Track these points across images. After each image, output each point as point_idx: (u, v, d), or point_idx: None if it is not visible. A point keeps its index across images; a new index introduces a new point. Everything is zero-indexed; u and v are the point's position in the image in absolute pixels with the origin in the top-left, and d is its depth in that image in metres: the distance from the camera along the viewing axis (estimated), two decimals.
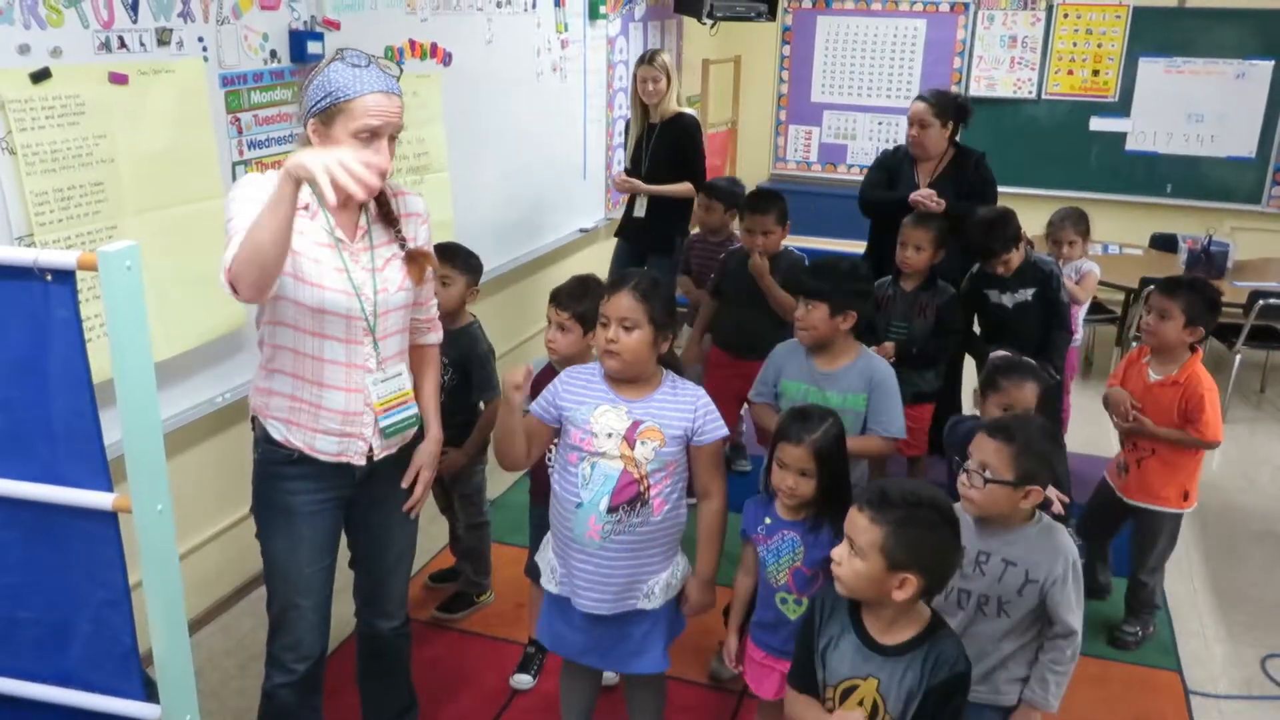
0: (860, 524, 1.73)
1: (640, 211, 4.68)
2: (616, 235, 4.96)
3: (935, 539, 1.72)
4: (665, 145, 4.58)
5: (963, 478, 2.16)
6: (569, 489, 2.23)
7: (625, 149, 4.76)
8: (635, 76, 4.55)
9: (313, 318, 2.05)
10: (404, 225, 2.19)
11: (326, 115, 1.98)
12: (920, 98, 4.16)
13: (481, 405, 3.14)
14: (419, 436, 2.35)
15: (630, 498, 2.19)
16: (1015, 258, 3.67)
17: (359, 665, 2.54)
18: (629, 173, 4.74)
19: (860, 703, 1.74)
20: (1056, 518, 2.30)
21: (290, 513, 2.18)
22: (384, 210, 2.16)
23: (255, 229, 1.82)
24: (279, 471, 2.17)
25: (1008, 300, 3.71)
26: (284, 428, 2.13)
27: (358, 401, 2.13)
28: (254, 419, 2.20)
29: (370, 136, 1.98)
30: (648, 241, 4.74)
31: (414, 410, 2.21)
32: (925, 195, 3.95)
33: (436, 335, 2.38)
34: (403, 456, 2.29)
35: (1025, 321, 3.68)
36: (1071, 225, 4.27)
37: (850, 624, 1.79)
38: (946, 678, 1.72)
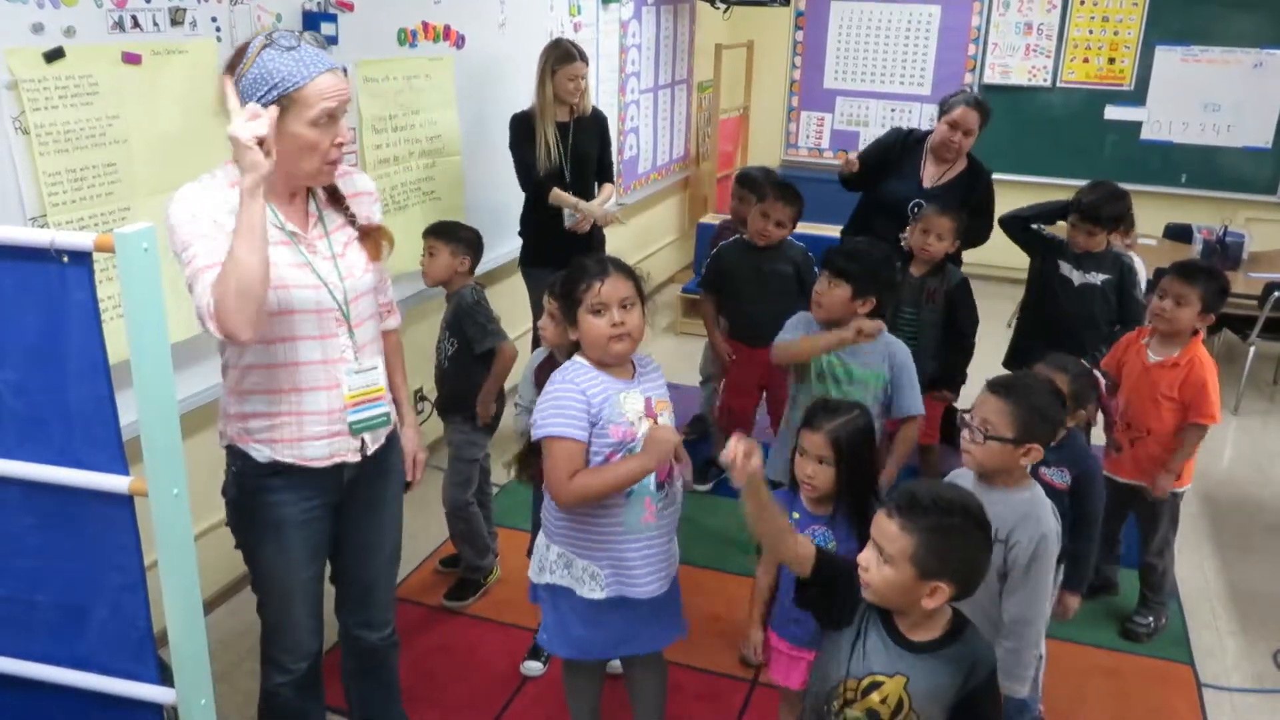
0: (889, 531, 1.66)
1: (571, 223, 4.10)
2: (534, 265, 4.16)
3: (967, 546, 1.67)
4: (592, 144, 4.14)
5: (965, 432, 2.17)
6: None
7: (541, 151, 3.98)
8: (552, 73, 3.92)
9: (280, 322, 1.94)
10: (354, 205, 2.09)
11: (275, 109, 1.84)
12: (973, 105, 3.95)
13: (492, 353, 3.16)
14: (394, 440, 2.24)
15: (669, 469, 2.18)
16: (1101, 240, 3.57)
17: (347, 684, 2.46)
18: (549, 178, 4.03)
19: (884, 700, 1.72)
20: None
21: (279, 525, 2.07)
22: (330, 192, 2.06)
23: (236, 263, 1.72)
24: (262, 484, 2.04)
25: (1075, 277, 3.61)
26: (268, 449, 2.01)
27: (339, 397, 2.03)
28: (229, 447, 2.07)
29: (329, 120, 1.88)
30: (583, 252, 4.06)
31: (385, 409, 2.11)
32: (848, 162, 4.01)
33: (395, 319, 2.31)
34: (385, 462, 2.19)
35: (1083, 304, 3.60)
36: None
37: (878, 620, 1.76)
38: (987, 677, 1.71)
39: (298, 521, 2.09)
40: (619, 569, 2.18)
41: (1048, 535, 2.13)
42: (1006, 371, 3.98)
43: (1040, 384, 2.26)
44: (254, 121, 1.74)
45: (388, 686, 2.47)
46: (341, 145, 1.94)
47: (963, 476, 2.29)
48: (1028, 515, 2.14)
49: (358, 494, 2.18)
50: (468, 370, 3.14)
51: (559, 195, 4.04)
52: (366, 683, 2.45)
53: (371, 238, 2.08)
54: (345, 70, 1.96)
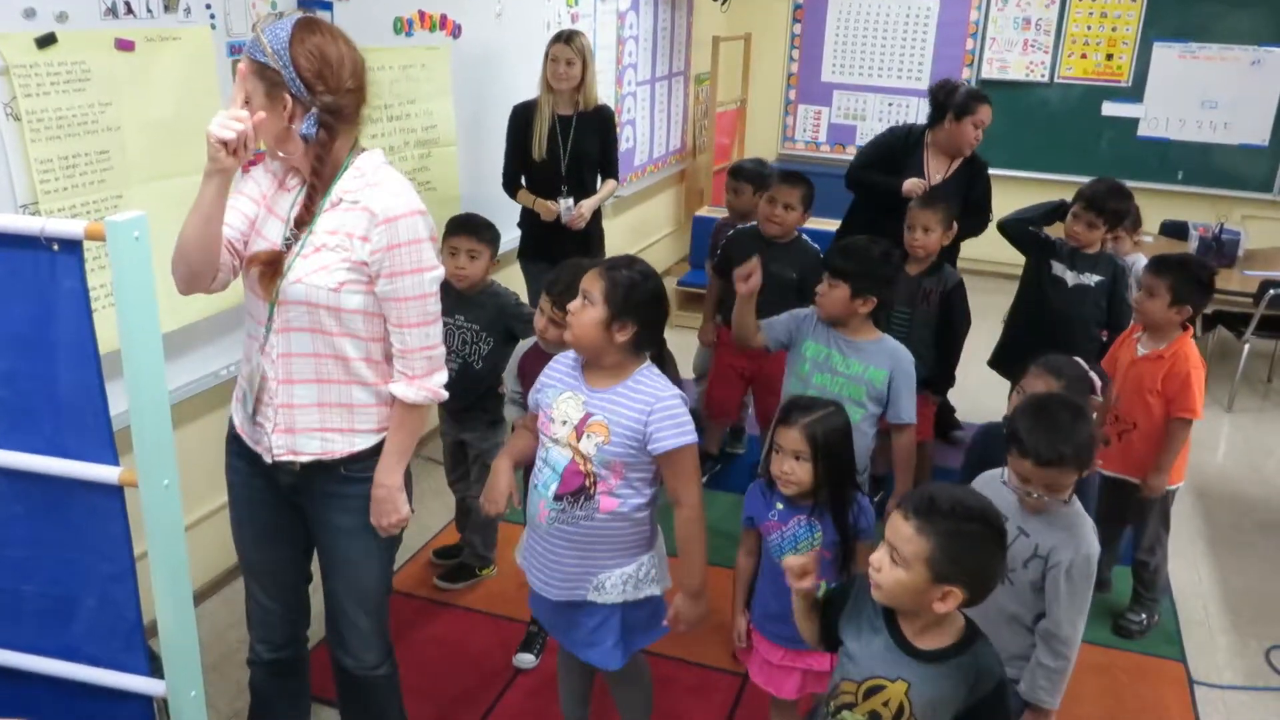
0: (905, 533, 1.65)
1: (567, 217, 4.06)
2: (532, 258, 4.21)
3: (983, 553, 1.66)
4: (591, 140, 4.07)
5: (1028, 491, 2.15)
6: (535, 469, 2.21)
7: (533, 140, 3.99)
8: (547, 56, 3.93)
9: (247, 290, 2.01)
10: (347, 215, 1.90)
11: None
12: (989, 101, 4.01)
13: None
14: (362, 475, 2.02)
15: (575, 489, 2.11)
16: (1099, 235, 3.55)
17: (339, 703, 2.38)
18: (540, 168, 4.04)
19: (885, 704, 1.71)
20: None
21: (231, 490, 2.16)
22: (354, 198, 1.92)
23: (181, 230, 1.84)
24: (228, 446, 2.15)
25: (1069, 277, 3.60)
26: (233, 402, 2.12)
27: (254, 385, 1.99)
28: None
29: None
30: (580, 247, 4.01)
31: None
32: (917, 185, 3.94)
33: (407, 388, 1.97)
34: (326, 492, 2.04)
35: (1074, 304, 3.59)
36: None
37: (884, 622, 1.75)
38: (993, 690, 1.70)
39: (243, 497, 2.13)
40: (530, 549, 2.26)
41: (1090, 556, 2.14)
42: (992, 371, 3.99)
43: (1069, 416, 2.17)
44: (229, 123, 1.73)
45: (374, 716, 2.33)
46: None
47: (986, 484, 2.26)
48: (1069, 534, 2.15)
49: (305, 507, 2.09)
50: (496, 365, 3.15)
51: (524, 196, 4.10)
52: (350, 706, 2.34)
53: (263, 264, 1.89)
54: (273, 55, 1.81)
